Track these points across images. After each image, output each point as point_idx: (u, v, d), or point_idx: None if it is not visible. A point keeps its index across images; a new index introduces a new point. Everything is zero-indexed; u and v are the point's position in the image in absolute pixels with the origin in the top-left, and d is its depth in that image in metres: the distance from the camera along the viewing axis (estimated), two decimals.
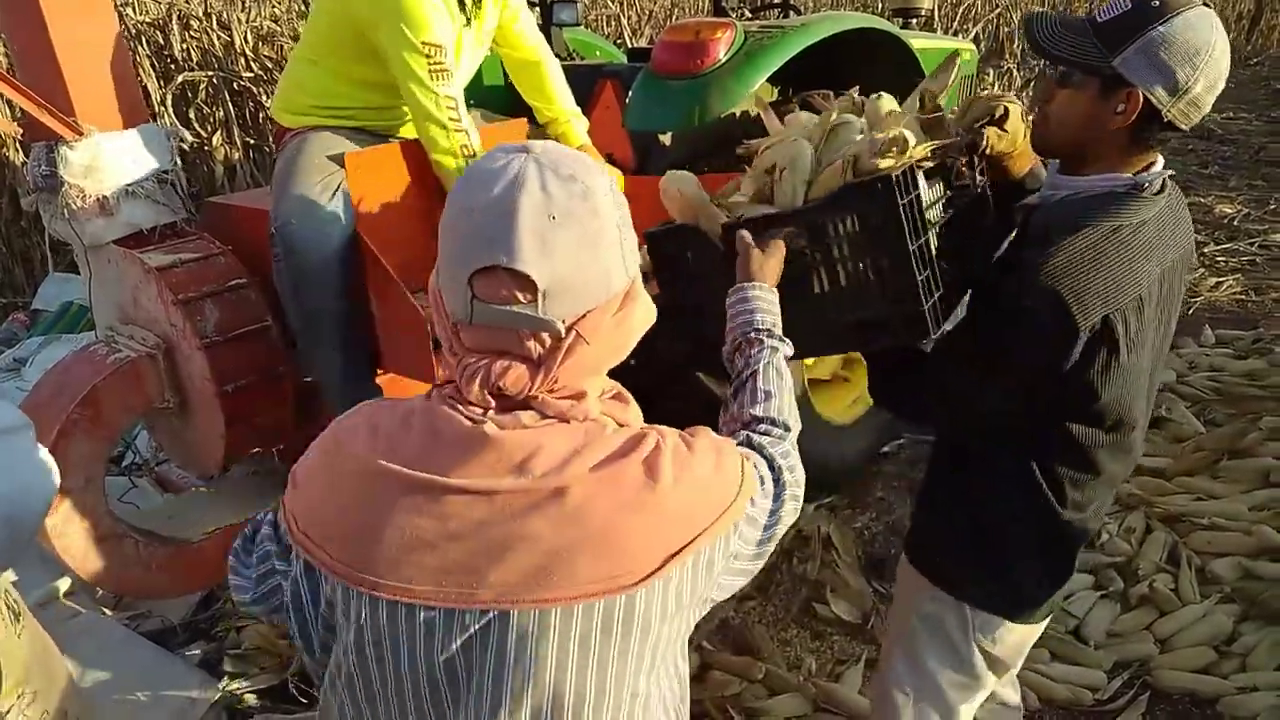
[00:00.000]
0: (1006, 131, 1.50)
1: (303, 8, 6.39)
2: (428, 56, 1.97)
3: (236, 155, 5.59)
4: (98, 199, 2.20)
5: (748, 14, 4.14)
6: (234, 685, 2.40)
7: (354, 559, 0.86)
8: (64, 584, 2.71)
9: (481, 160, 0.86)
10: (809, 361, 3.08)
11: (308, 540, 0.90)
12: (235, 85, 5.74)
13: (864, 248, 1.37)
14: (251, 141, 5.78)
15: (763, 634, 2.58)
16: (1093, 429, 1.35)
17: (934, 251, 1.40)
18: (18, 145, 5.34)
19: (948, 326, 1.44)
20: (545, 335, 0.84)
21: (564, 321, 0.83)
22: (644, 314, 0.93)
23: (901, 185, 1.32)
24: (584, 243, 0.83)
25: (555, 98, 2.49)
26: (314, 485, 0.92)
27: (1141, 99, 1.26)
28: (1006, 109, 1.49)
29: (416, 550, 0.84)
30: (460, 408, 0.87)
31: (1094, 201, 1.31)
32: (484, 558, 0.83)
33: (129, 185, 2.23)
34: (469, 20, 2.20)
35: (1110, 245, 1.25)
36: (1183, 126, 1.29)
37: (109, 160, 2.19)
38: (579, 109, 2.57)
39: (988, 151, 1.50)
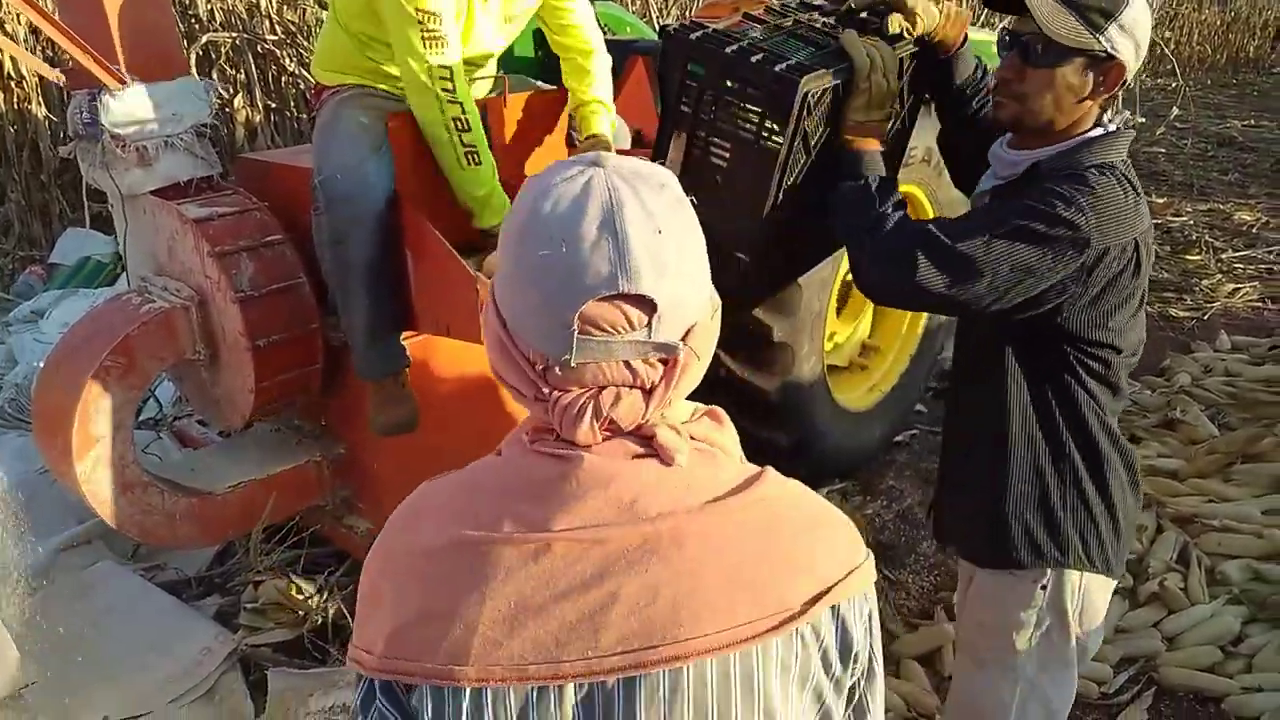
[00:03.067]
0: (913, 12, 1.56)
1: None
2: (420, 23, 1.94)
3: (258, 118, 5.59)
4: (137, 149, 2.21)
5: None
6: (250, 639, 2.42)
7: (447, 656, 0.74)
8: (81, 533, 2.74)
9: (547, 186, 0.76)
10: (827, 347, 3.09)
11: (399, 664, 0.76)
12: (259, 48, 5.74)
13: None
14: (273, 104, 5.78)
15: None
16: (1113, 351, 1.44)
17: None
18: (40, 99, 5.34)
19: None
20: (655, 358, 0.77)
21: (678, 339, 0.77)
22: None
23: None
24: (688, 252, 0.78)
25: (594, 85, 2.40)
26: (384, 599, 0.79)
27: (1125, 70, 1.38)
28: None
29: (522, 620, 0.74)
30: (550, 451, 0.79)
31: (1082, 150, 1.40)
32: (600, 617, 0.74)
33: (168, 136, 2.23)
34: None
35: (1121, 178, 1.38)
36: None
37: (150, 111, 2.20)
38: (610, 101, 2.47)
39: (900, 33, 1.57)
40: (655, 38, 3.93)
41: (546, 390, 0.77)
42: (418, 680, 0.75)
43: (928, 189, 3.13)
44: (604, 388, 0.76)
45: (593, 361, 0.75)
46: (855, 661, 0.82)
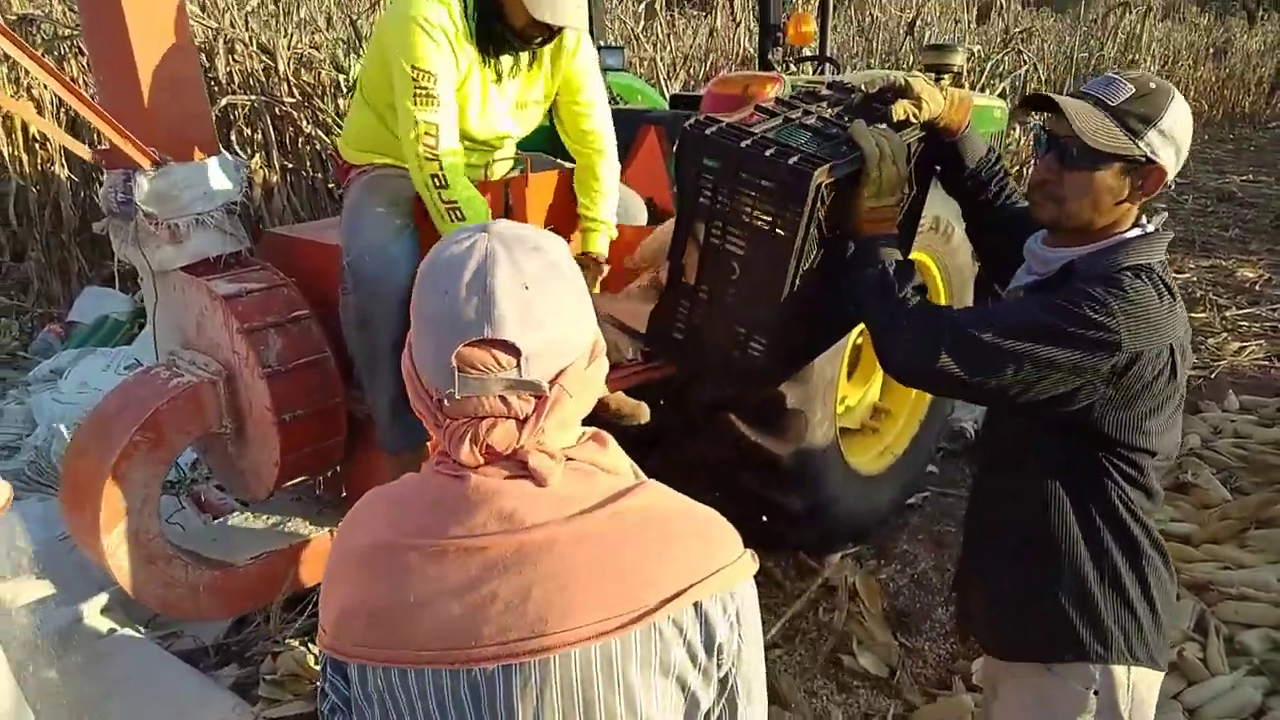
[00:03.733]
0: (919, 98, 1.61)
1: (342, 35, 6.53)
2: (414, 80, 2.01)
3: (275, 178, 5.70)
4: (169, 226, 2.27)
5: (792, 66, 4.23)
6: (268, 711, 2.42)
7: (367, 638, 0.89)
8: (102, 600, 2.74)
9: (445, 245, 0.91)
10: (839, 410, 3.13)
11: (336, 643, 0.92)
12: (276, 110, 5.86)
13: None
14: (289, 165, 5.89)
15: (790, 684, 2.60)
16: (1147, 454, 1.43)
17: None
18: (62, 161, 5.46)
19: None
20: (529, 394, 0.89)
21: (546, 379, 0.89)
22: (605, 364, 0.99)
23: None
24: (556, 306, 0.90)
25: (602, 203, 2.43)
26: (332, 589, 0.96)
27: (1165, 174, 1.40)
28: (906, 82, 1.61)
29: (419, 613, 0.87)
30: (448, 472, 0.92)
31: (1118, 251, 1.40)
32: (481, 612, 0.86)
33: (199, 214, 2.30)
34: (499, 77, 2.22)
35: (1157, 281, 1.38)
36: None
37: (182, 189, 2.26)
38: (613, 218, 2.51)
39: (906, 118, 1.62)
40: (667, 106, 4.04)
41: (441, 419, 0.92)
42: (346, 659, 0.92)
43: (936, 257, 3.18)
44: (483, 418, 0.89)
45: (473, 395, 0.89)
46: (721, 653, 0.94)
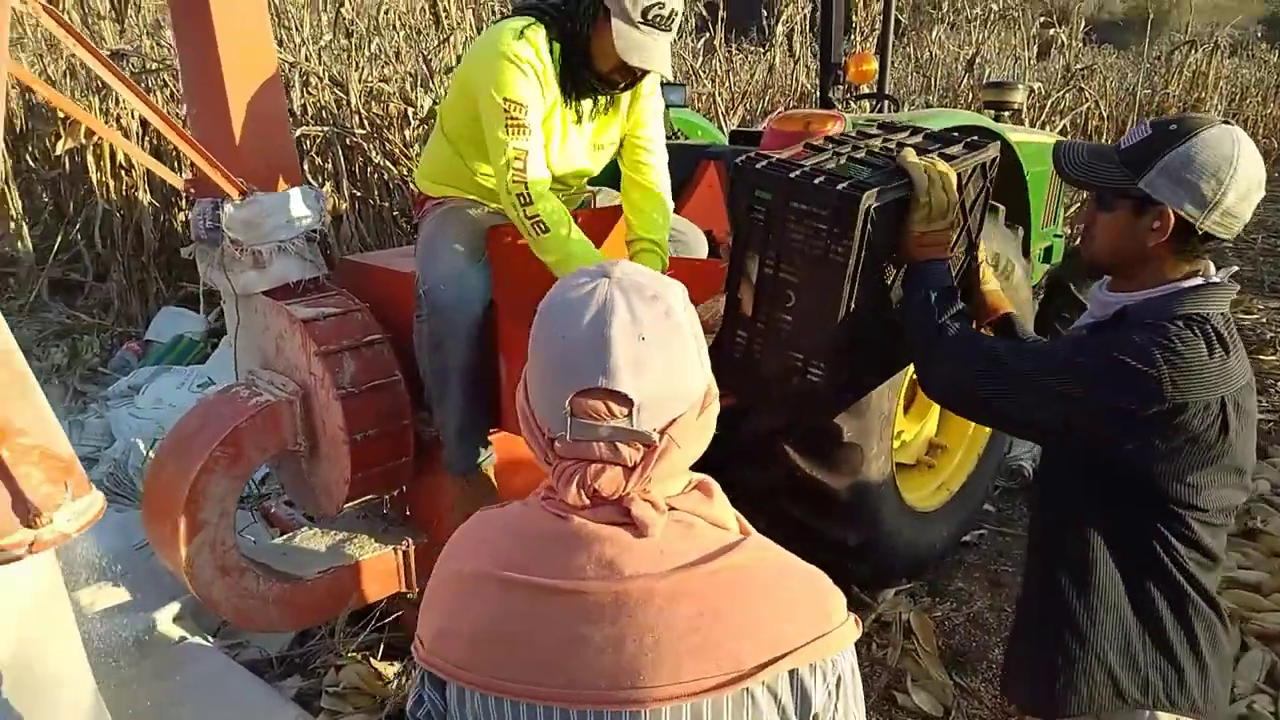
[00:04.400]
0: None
1: (411, 69, 6.75)
2: (505, 110, 2.08)
3: (344, 206, 5.89)
4: (253, 253, 2.38)
5: (851, 104, 4.28)
6: None
7: (467, 661, 0.91)
8: (173, 608, 2.85)
9: (566, 287, 0.92)
10: (895, 445, 3.12)
11: (435, 659, 0.94)
12: (347, 141, 6.08)
13: None
14: (358, 193, 6.08)
15: None
16: (1195, 511, 1.40)
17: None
18: (146, 186, 5.72)
19: None
20: (639, 443, 0.89)
21: (656, 429, 0.89)
22: (716, 409, 0.98)
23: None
24: (671, 357, 0.90)
25: (652, 225, 2.45)
26: (435, 605, 0.98)
27: (1173, 216, 1.36)
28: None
29: (517, 646, 0.88)
30: (554, 510, 0.93)
31: (1172, 300, 1.39)
32: (576, 657, 0.86)
33: (281, 241, 2.41)
34: (579, 119, 2.29)
35: (1210, 332, 1.34)
36: (1223, 236, 1.38)
37: (266, 218, 2.38)
38: (667, 243, 2.52)
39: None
40: (726, 142, 4.11)
41: (551, 457, 0.93)
42: (446, 676, 0.93)
43: None
44: (592, 462, 0.90)
45: (584, 440, 0.89)
46: None
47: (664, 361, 0.89)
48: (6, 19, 1.65)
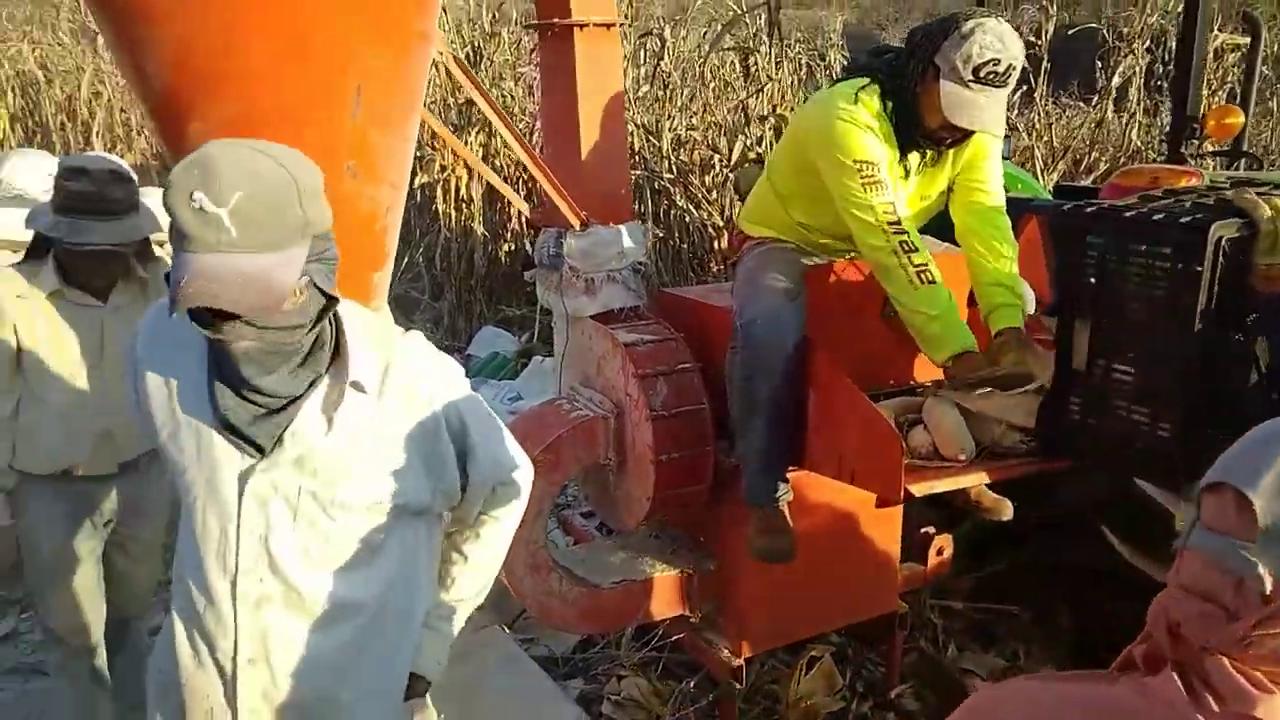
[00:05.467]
0: None
1: (719, 120, 7.06)
2: (859, 172, 2.11)
3: (650, 244, 6.28)
4: (586, 280, 2.61)
5: (1206, 161, 3.89)
6: None
7: None
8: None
9: None
10: None
11: None
12: (655, 184, 6.47)
13: None
14: (661, 234, 6.44)
15: None
16: None
17: None
18: (480, 219, 6.44)
19: None
20: (1249, 588, 0.70)
21: (1272, 579, 0.69)
22: None
23: None
24: None
25: (1013, 279, 2.23)
26: None
27: None
28: None
29: None
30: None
31: None
32: None
33: (611, 271, 2.62)
34: (907, 174, 2.29)
35: None
36: None
37: (602, 249, 2.60)
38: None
39: None
40: (1048, 196, 3.88)
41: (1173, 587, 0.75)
42: None
43: None
44: (1204, 598, 0.72)
45: (1201, 557, 0.73)
46: None
47: None
48: (426, 67, 1.96)
